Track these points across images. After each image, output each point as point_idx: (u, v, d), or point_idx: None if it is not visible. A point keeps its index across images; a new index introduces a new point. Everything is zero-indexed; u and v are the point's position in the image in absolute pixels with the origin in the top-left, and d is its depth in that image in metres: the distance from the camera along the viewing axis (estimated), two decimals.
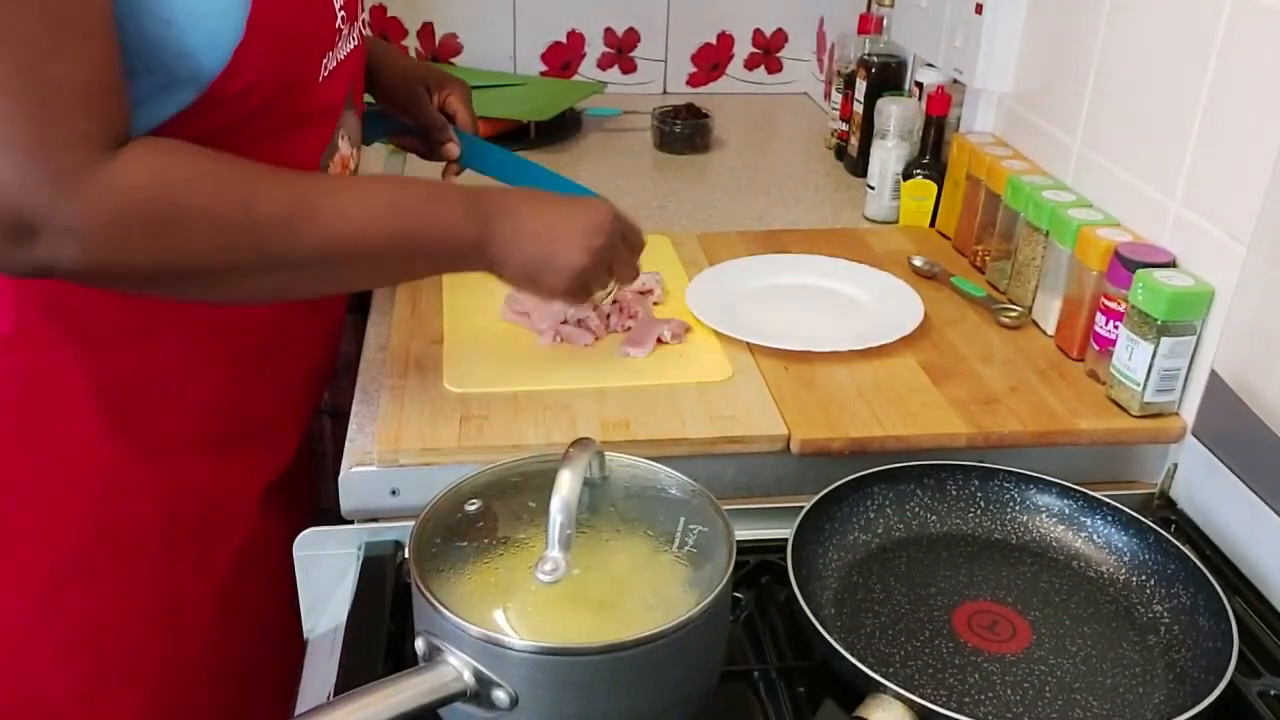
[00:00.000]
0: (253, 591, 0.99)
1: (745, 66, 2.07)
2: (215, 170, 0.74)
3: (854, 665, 0.68)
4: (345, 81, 0.91)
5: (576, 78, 2.02)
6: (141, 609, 0.92)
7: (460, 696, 0.63)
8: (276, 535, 1.00)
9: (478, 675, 0.63)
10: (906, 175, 1.41)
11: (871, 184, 1.45)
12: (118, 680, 0.92)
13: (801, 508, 0.81)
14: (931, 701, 0.66)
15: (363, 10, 0.96)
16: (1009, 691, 0.72)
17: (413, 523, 0.70)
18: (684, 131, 1.73)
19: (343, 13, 0.87)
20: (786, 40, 2.05)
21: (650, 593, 0.67)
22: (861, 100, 1.58)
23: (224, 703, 1.00)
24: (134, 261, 0.72)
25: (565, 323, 1.07)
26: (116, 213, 0.69)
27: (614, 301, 1.10)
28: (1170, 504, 0.97)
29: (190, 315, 0.87)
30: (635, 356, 1.04)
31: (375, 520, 0.89)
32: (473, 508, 0.71)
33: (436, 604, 0.63)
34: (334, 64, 0.87)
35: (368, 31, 0.98)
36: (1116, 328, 0.99)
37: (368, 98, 1.18)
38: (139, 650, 0.93)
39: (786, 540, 0.78)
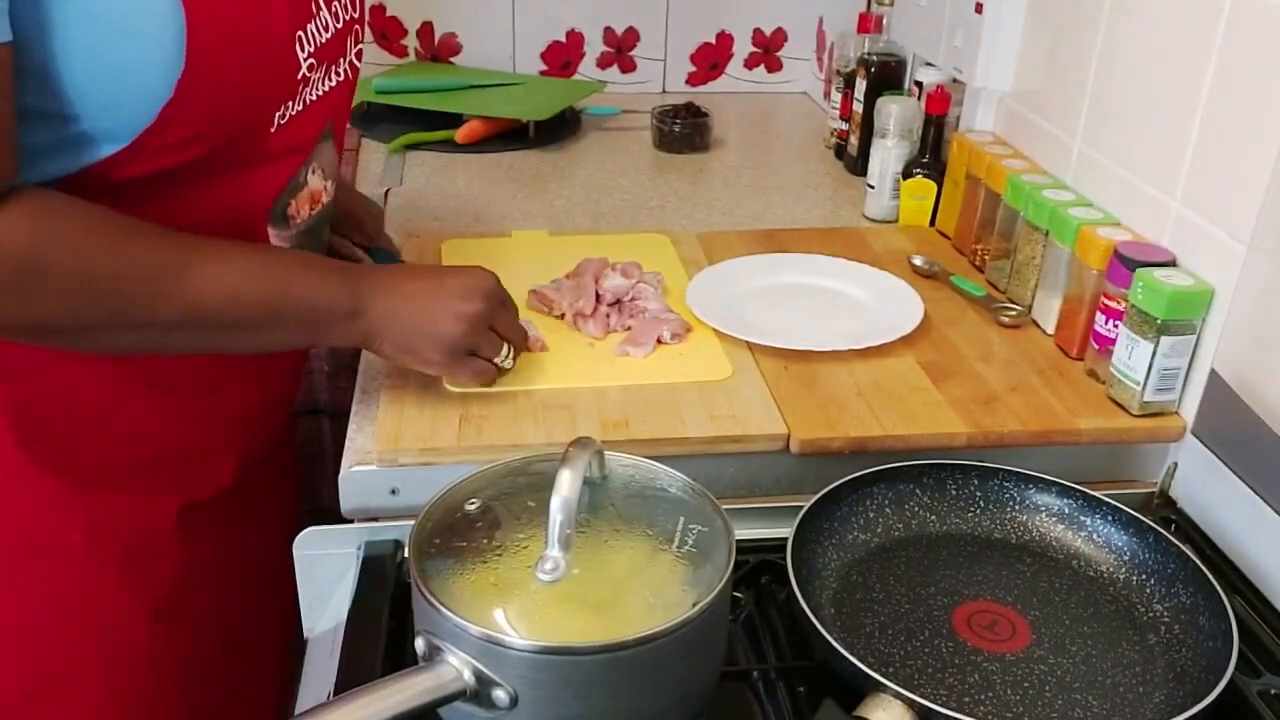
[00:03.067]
0: (197, 611, 0.97)
1: (745, 66, 2.07)
2: (92, 230, 0.74)
3: (854, 665, 0.68)
4: (315, 124, 0.88)
5: (576, 77, 2.01)
6: (73, 624, 0.91)
7: (460, 696, 0.63)
8: (224, 554, 0.98)
9: (478, 675, 0.63)
10: (906, 174, 1.41)
11: (871, 183, 1.45)
12: (58, 689, 0.91)
13: (801, 507, 0.81)
14: (931, 701, 0.66)
15: (358, 42, 0.93)
16: (1009, 691, 0.72)
17: (413, 522, 0.70)
18: (683, 131, 1.72)
19: (311, 61, 0.83)
20: (786, 39, 2.05)
21: (650, 592, 0.67)
22: (861, 99, 1.58)
23: (171, 712, 0.98)
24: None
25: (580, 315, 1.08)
26: None
27: (615, 302, 1.10)
28: (1170, 503, 0.97)
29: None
30: (635, 356, 1.04)
31: (375, 520, 0.89)
32: (473, 507, 0.71)
33: (436, 603, 0.63)
34: (300, 108, 0.85)
35: (359, 63, 0.94)
36: (1116, 327, 0.99)
37: None
38: (78, 660, 0.91)
39: (786, 540, 0.78)
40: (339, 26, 0.87)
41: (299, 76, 0.83)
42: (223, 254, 0.80)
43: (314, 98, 0.86)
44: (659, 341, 1.06)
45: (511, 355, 0.94)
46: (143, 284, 0.75)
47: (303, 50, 0.82)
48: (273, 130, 0.83)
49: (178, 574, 0.94)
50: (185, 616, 0.96)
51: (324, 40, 0.85)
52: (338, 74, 0.90)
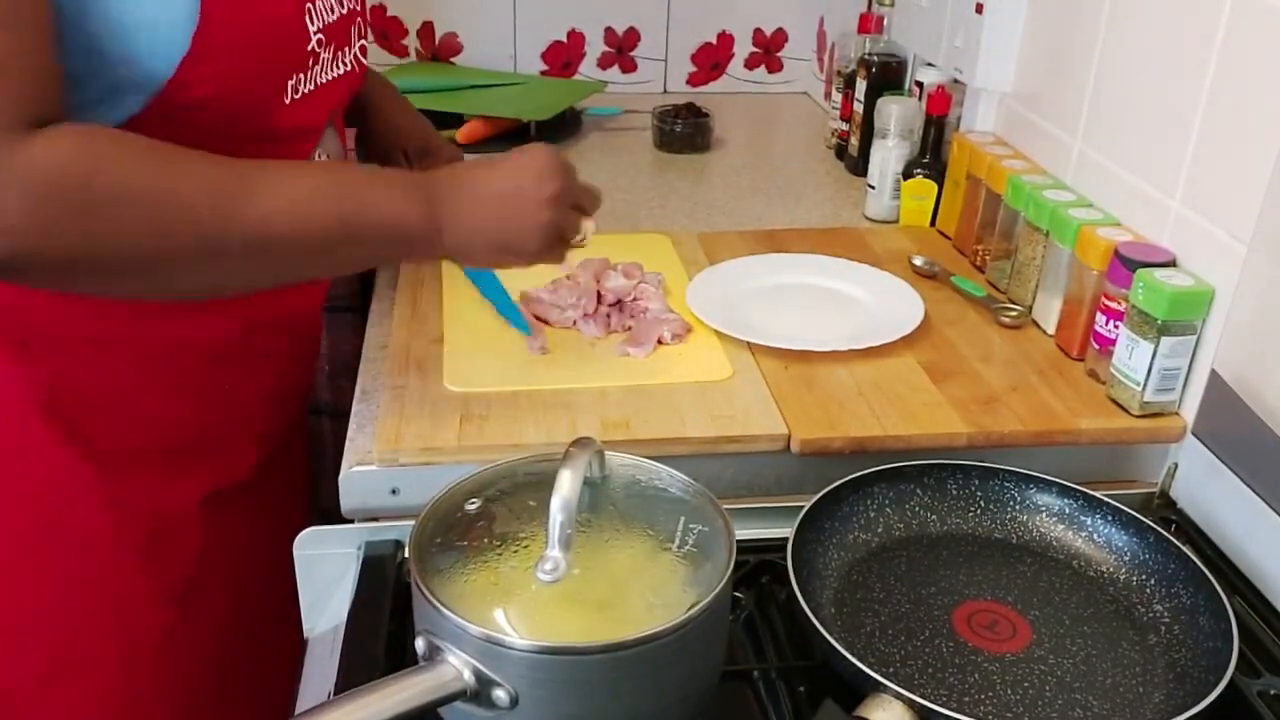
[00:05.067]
0: (215, 598, 0.98)
1: (745, 66, 2.07)
2: (145, 151, 0.71)
3: (854, 665, 0.68)
4: (325, 107, 0.89)
5: (577, 77, 2.01)
6: (89, 609, 0.92)
7: (460, 696, 0.63)
8: (243, 543, 0.99)
9: (478, 675, 0.63)
10: (907, 175, 1.41)
11: (872, 183, 1.45)
12: (69, 674, 0.92)
13: (801, 507, 0.81)
14: (931, 701, 0.66)
15: (361, 36, 0.94)
16: (1009, 691, 0.72)
17: (413, 522, 0.70)
18: (684, 131, 1.73)
19: (320, 36, 0.83)
20: (787, 40, 2.05)
21: (650, 592, 0.67)
22: (862, 100, 1.58)
23: (185, 701, 0.99)
24: (58, 248, 0.68)
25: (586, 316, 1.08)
26: (36, 194, 0.66)
27: (616, 302, 1.10)
28: (1170, 503, 0.97)
29: (138, 326, 0.86)
30: (635, 356, 1.04)
31: (375, 519, 0.89)
32: (473, 507, 0.71)
33: (436, 603, 0.63)
34: (311, 87, 0.85)
35: (365, 61, 0.96)
36: (1117, 327, 0.99)
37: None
38: (89, 649, 0.92)
39: (786, 540, 0.78)
40: (343, 12, 0.89)
41: (309, 49, 0.83)
42: (288, 170, 0.77)
43: (324, 80, 0.87)
44: (659, 342, 1.06)
45: (590, 229, 0.89)
46: (208, 203, 0.72)
47: (312, 24, 0.83)
48: (287, 102, 0.83)
49: (198, 560, 0.95)
50: (203, 604, 0.97)
51: (331, 20, 0.86)
52: (344, 63, 0.91)
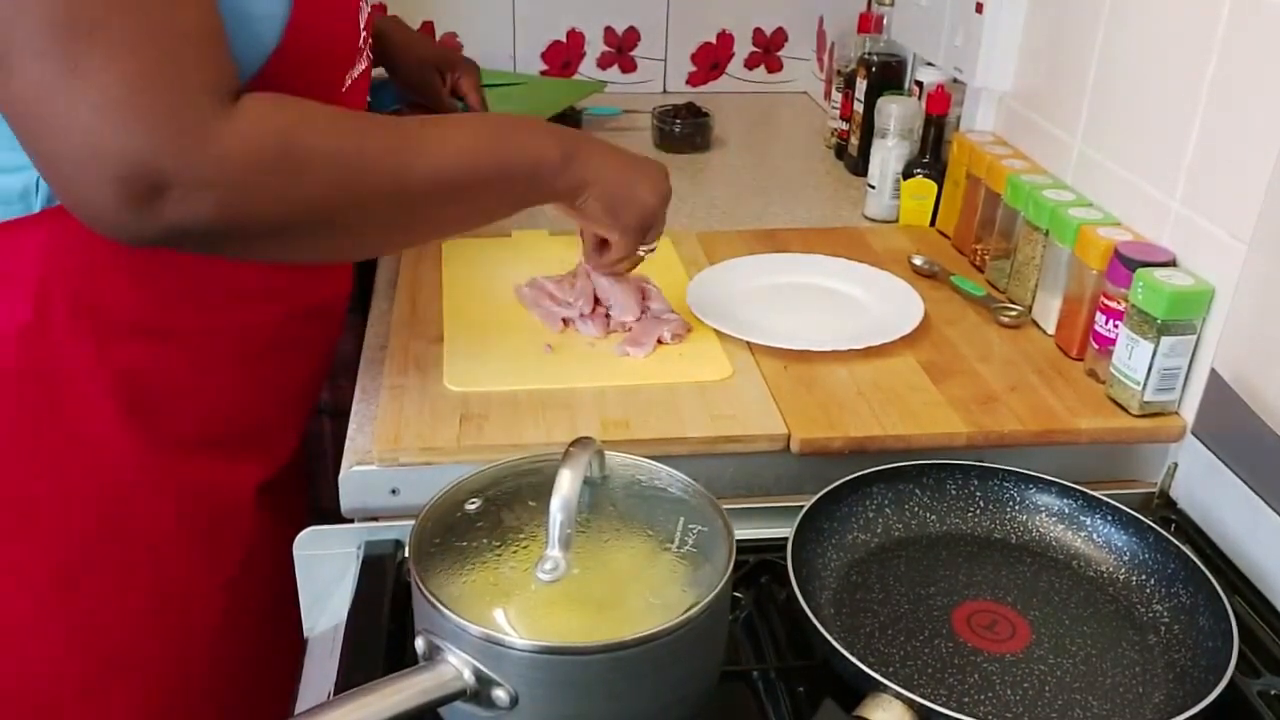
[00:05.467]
0: (255, 590, 0.99)
1: (745, 65, 2.07)
2: (324, 112, 0.75)
3: (854, 665, 0.68)
4: (362, 96, 0.93)
5: (576, 77, 2.01)
6: (146, 605, 0.92)
7: (460, 696, 0.63)
8: (274, 534, 1.00)
9: (478, 674, 0.63)
10: (906, 174, 1.41)
11: (871, 183, 1.45)
12: (120, 675, 0.93)
13: (801, 507, 0.81)
14: (931, 701, 0.66)
15: (370, 31, 0.98)
16: (1009, 691, 0.72)
17: (413, 522, 0.70)
18: (684, 131, 1.72)
19: (365, 32, 0.89)
20: (786, 39, 2.05)
21: (650, 592, 0.67)
22: (861, 99, 1.58)
23: (225, 699, 1.00)
24: (264, 211, 0.71)
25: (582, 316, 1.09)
26: (246, 160, 0.69)
27: (609, 310, 1.10)
28: (1170, 503, 0.97)
29: (204, 315, 0.87)
30: (635, 356, 1.04)
31: (375, 519, 0.89)
32: (473, 507, 0.71)
33: (436, 603, 0.63)
34: (353, 79, 0.89)
35: (370, 53, 1.00)
36: (1116, 327, 0.99)
37: (379, 71, 1.23)
38: (142, 646, 0.93)
39: (786, 540, 0.78)
40: (371, 8, 0.94)
41: (360, 44, 0.88)
42: (442, 123, 0.84)
43: (358, 73, 0.91)
44: (659, 341, 1.06)
45: (655, 248, 1.00)
46: (388, 154, 0.77)
47: (361, 17, 0.88)
48: (343, 92, 0.88)
49: (248, 550, 0.97)
50: (251, 594, 0.98)
51: (368, 13, 0.91)
52: (368, 55, 0.94)
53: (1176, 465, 0.98)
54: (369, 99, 1.24)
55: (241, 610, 0.98)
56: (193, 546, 0.93)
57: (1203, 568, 0.78)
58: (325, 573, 0.86)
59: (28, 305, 0.81)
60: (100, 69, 0.63)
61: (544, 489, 0.66)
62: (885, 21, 1.58)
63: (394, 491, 0.91)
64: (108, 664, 0.92)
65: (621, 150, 0.95)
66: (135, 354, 0.85)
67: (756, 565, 0.83)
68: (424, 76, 1.23)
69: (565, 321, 1.09)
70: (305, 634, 0.88)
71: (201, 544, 0.94)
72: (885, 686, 0.67)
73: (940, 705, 0.65)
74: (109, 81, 0.63)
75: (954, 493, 0.88)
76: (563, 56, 2.00)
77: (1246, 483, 0.89)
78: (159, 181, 0.65)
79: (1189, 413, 0.97)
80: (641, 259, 1.01)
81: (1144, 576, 0.82)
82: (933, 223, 1.40)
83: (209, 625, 0.96)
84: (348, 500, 0.92)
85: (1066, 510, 0.87)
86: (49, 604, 0.90)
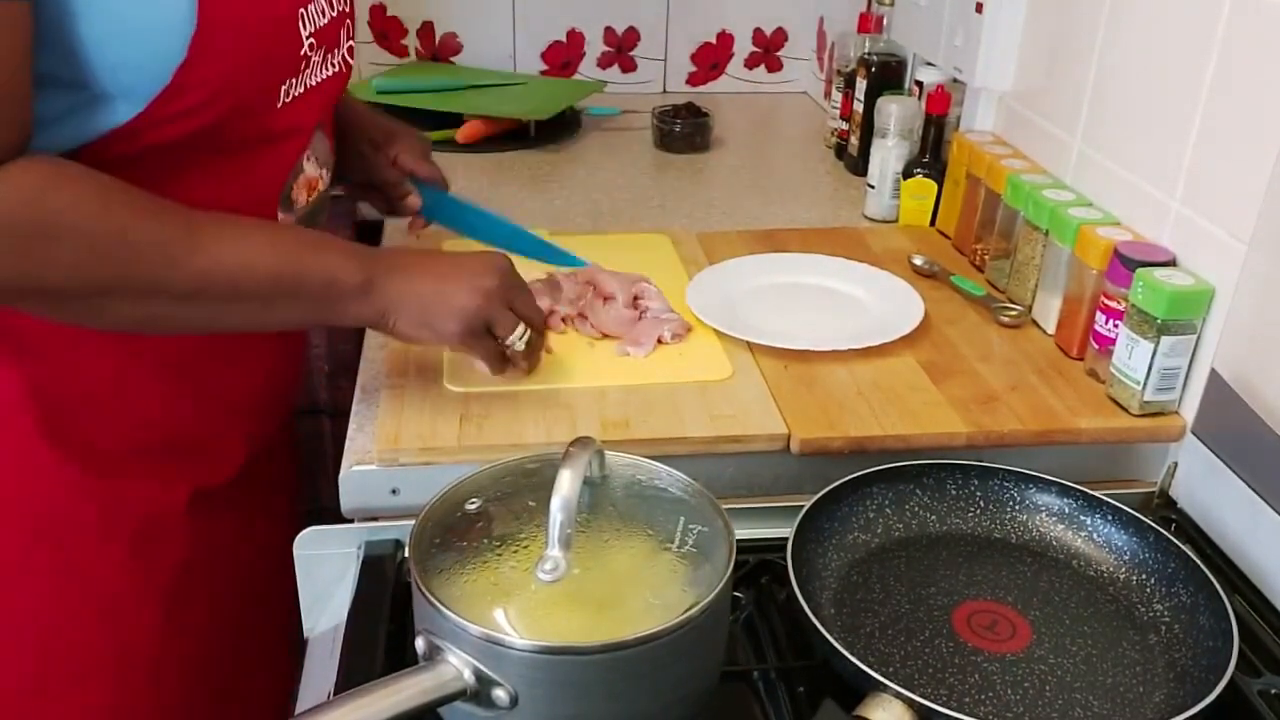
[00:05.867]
0: (203, 599, 0.98)
1: (745, 65, 2.07)
2: (102, 194, 0.73)
3: (854, 665, 0.68)
4: (316, 107, 0.89)
5: (576, 77, 2.01)
6: (86, 609, 0.91)
7: (460, 695, 0.63)
8: (230, 543, 0.99)
9: (478, 674, 0.63)
10: (906, 174, 1.41)
11: (871, 183, 1.45)
12: (69, 677, 0.92)
13: (801, 507, 0.81)
14: (931, 701, 0.66)
15: (350, 37, 0.94)
16: (1009, 691, 0.72)
17: (413, 522, 0.70)
18: (684, 131, 1.72)
19: (311, 40, 0.85)
20: (786, 39, 2.05)
21: (650, 592, 0.67)
22: (861, 99, 1.58)
23: (178, 703, 0.99)
24: (6, 277, 0.71)
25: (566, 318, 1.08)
26: None
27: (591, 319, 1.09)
28: (1170, 503, 0.97)
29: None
30: (635, 356, 1.04)
31: (375, 519, 0.89)
32: (473, 507, 0.71)
33: (436, 603, 0.63)
34: (301, 89, 0.86)
35: (352, 60, 0.96)
36: (1116, 326, 0.99)
37: None
38: (87, 649, 0.92)
39: (786, 540, 0.78)
40: (334, 15, 0.89)
41: (301, 54, 0.84)
42: (234, 226, 0.80)
43: (314, 82, 0.88)
44: (659, 341, 1.06)
45: (526, 336, 0.92)
46: (153, 248, 0.75)
47: (304, 29, 0.84)
48: (279, 106, 0.84)
49: (187, 560, 0.95)
50: (193, 604, 0.97)
51: (323, 24, 0.87)
52: (333, 64, 0.91)
53: (1176, 465, 0.98)
54: None
55: (185, 618, 0.96)
56: (120, 554, 0.91)
57: (1203, 567, 0.78)
58: (325, 573, 0.86)
59: None
60: None
61: (544, 489, 0.66)
62: (885, 21, 1.59)
63: (394, 491, 0.91)
64: (55, 664, 0.91)
65: (438, 259, 0.91)
66: (48, 363, 0.84)
67: (757, 565, 0.83)
68: (354, 151, 1.07)
69: (565, 320, 1.09)
70: (305, 634, 0.88)
71: (128, 552, 0.92)
72: (885, 686, 0.67)
73: (940, 705, 0.65)
74: None
75: (954, 493, 0.89)
76: (563, 56, 2.00)
77: (1246, 483, 0.89)
78: None
79: (1189, 412, 0.97)
80: (515, 347, 0.93)
81: (1144, 576, 0.82)
82: (933, 223, 1.40)
83: (147, 632, 0.94)
84: (348, 500, 0.92)
85: (1066, 510, 0.87)
86: None
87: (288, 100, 0.85)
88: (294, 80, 0.85)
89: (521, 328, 0.92)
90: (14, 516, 0.88)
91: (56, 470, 0.87)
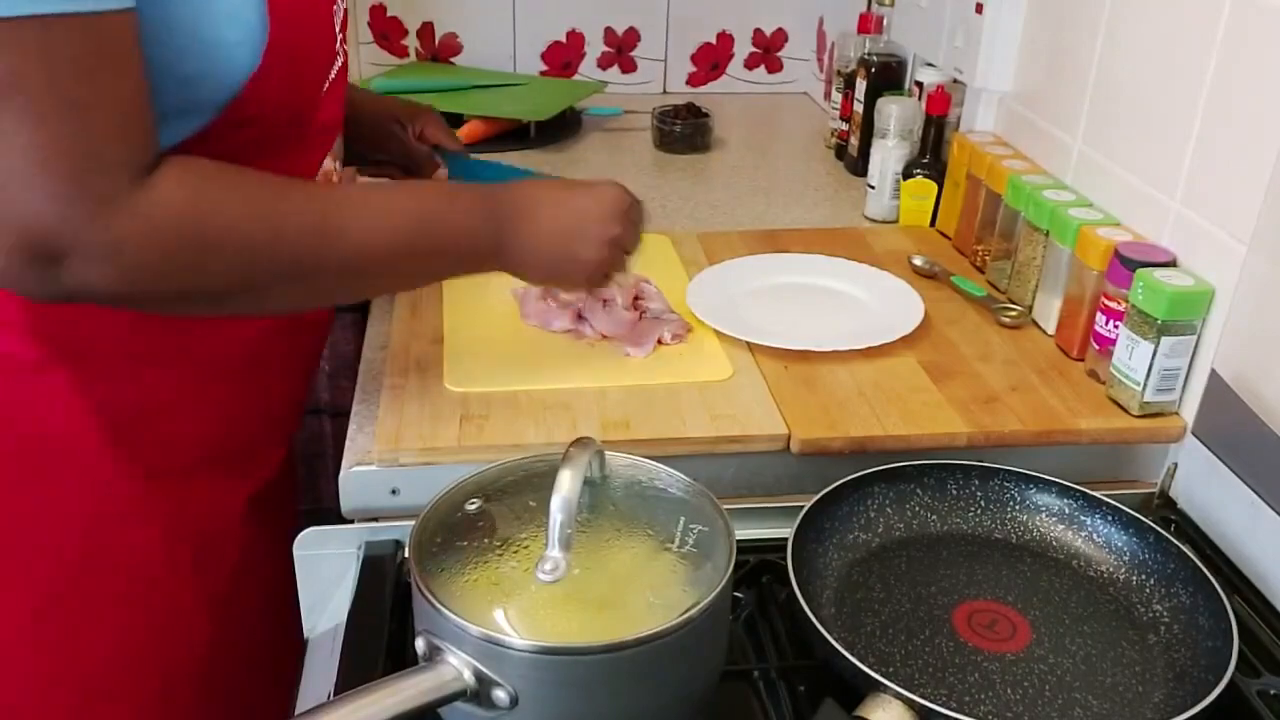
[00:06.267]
0: (246, 603, 0.99)
1: (745, 66, 2.07)
2: (243, 191, 0.74)
3: (854, 665, 0.68)
4: (339, 100, 0.92)
5: (576, 77, 2.02)
6: (132, 631, 0.91)
7: (460, 696, 0.63)
8: (264, 545, 1.00)
9: (478, 675, 0.63)
10: (907, 175, 1.41)
11: (872, 183, 1.45)
12: (107, 697, 0.92)
13: (802, 507, 0.81)
14: (931, 701, 0.66)
15: (343, 28, 0.95)
16: (1009, 691, 0.72)
17: (413, 522, 0.70)
18: (684, 131, 1.73)
19: (341, 34, 0.88)
20: (786, 40, 2.05)
21: (650, 592, 0.67)
22: (861, 100, 1.58)
23: (219, 708, 0.99)
24: (165, 284, 0.72)
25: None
26: (150, 238, 0.69)
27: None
28: (1170, 503, 0.97)
29: (184, 341, 0.87)
30: (635, 356, 1.04)
31: (375, 520, 0.89)
32: (473, 507, 0.71)
33: (437, 603, 0.63)
34: (329, 83, 0.88)
35: (347, 48, 0.98)
36: (1117, 327, 0.99)
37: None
38: (129, 671, 0.92)
39: (787, 540, 0.78)
40: (343, 8, 0.91)
41: (335, 48, 0.87)
42: (371, 200, 0.82)
43: (334, 75, 0.90)
44: (659, 342, 1.06)
45: (632, 274, 0.99)
46: (306, 236, 0.76)
47: (336, 21, 0.86)
48: (323, 94, 0.87)
49: (238, 563, 0.96)
50: (241, 605, 0.98)
51: (342, 16, 0.89)
52: (342, 52, 0.93)
53: (1176, 465, 0.98)
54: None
55: (233, 624, 0.97)
56: (180, 569, 0.92)
57: (1203, 568, 0.78)
58: (325, 573, 0.86)
59: (7, 338, 0.81)
60: (10, 136, 0.64)
61: (544, 489, 0.66)
62: (885, 22, 1.59)
63: (394, 491, 0.91)
64: (94, 690, 0.91)
65: (561, 204, 0.90)
66: (118, 383, 0.85)
67: (757, 565, 0.83)
68: (387, 133, 1.15)
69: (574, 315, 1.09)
70: (305, 634, 0.88)
71: (189, 566, 0.93)
72: (885, 686, 0.67)
73: (940, 705, 0.65)
74: (17, 149, 0.64)
75: (955, 493, 0.89)
76: (563, 56, 2.00)
77: (1246, 483, 0.89)
78: (55, 251, 0.66)
79: (1189, 413, 0.97)
80: (622, 285, 1.00)
81: (1144, 576, 0.82)
82: (933, 223, 1.40)
83: (199, 643, 0.95)
84: (348, 500, 0.92)
85: (1067, 510, 0.87)
86: (33, 632, 0.89)
87: (324, 95, 0.87)
88: (331, 71, 0.87)
89: (630, 265, 0.96)
90: (76, 543, 0.87)
91: (122, 490, 0.87)
